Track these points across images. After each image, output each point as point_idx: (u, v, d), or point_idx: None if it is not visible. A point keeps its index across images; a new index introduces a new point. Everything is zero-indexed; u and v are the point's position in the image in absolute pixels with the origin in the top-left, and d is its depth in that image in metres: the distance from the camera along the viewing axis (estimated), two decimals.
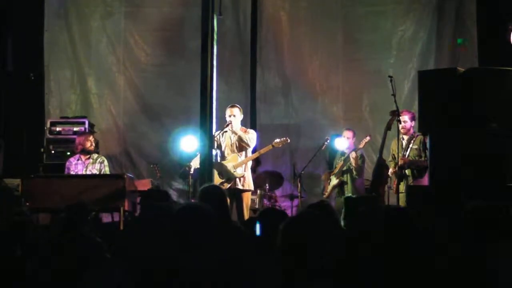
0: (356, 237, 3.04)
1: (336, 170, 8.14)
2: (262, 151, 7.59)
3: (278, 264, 2.81)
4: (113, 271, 2.74)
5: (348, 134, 8.19)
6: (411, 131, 7.43)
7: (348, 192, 7.92)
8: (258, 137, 7.84)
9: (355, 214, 5.12)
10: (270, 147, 7.59)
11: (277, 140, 7.59)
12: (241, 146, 7.29)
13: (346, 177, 8.06)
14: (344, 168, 8.06)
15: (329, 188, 8.17)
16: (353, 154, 7.90)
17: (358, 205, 5.78)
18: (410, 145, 7.27)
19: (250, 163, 7.43)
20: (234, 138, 7.32)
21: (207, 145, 6.71)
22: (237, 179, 7.20)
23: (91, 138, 7.75)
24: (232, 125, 7.30)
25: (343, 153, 8.21)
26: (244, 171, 7.26)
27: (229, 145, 7.36)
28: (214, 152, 7.10)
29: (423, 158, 7.14)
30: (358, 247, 2.86)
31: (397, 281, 2.93)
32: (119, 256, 2.86)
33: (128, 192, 6.77)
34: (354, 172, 7.97)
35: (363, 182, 8.12)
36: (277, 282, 2.73)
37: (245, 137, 7.27)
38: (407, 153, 7.27)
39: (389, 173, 7.42)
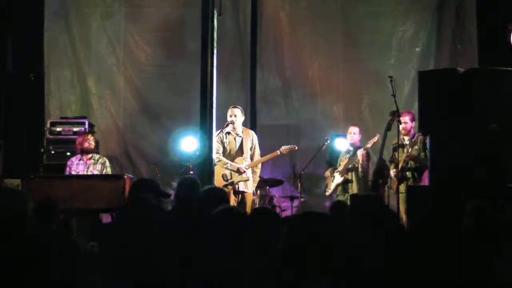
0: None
1: (340, 168, 8.06)
2: (269, 156, 7.63)
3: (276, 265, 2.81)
4: (91, 269, 2.75)
5: (354, 129, 8.13)
6: (412, 132, 7.44)
7: (353, 191, 7.85)
8: (259, 138, 7.86)
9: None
10: (277, 153, 7.63)
11: (285, 147, 7.65)
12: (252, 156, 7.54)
13: (351, 175, 7.99)
14: (350, 166, 7.98)
15: (333, 185, 8.09)
16: (360, 152, 7.81)
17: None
18: (413, 146, 7.29)
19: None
20: (239, 142, 7.39)
21: (207, 146, 6.73)
22: (241, 182, 7.31)
23: (89, 137, 7.74)
24: (234, 127, 7.36)
25: (347, 151, 8.17)
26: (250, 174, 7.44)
27: (233, 148, 7.42)
28: (215, 153, 7.15)
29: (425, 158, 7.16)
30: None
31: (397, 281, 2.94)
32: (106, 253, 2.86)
33: None
34: (360, 169, 7.92)
35: (367, 182, 8.07)
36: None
37: (259, 158, 7.54)
38: (410, 151, 7.30)
39: (392, 174, 7.43)
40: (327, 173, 8.31)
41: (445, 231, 3.41)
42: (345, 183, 8.01)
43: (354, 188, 7.91)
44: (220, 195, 4.38)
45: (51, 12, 9.52)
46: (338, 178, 8.04)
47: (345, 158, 8.09)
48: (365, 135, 8.31)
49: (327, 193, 8.20)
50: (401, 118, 7.22)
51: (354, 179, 7.96)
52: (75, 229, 6.55)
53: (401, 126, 7.26)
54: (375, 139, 7.82)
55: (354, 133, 8.11)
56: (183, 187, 4.47)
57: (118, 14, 9.68)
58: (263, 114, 9.62)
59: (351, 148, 8.10)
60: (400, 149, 7.32)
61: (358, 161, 7.85)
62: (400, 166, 7.18)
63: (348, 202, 6.55)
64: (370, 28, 9.59)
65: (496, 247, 3.21)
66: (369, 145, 7.88)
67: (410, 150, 7.29)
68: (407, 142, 7.42)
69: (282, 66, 9.72)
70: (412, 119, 7.40)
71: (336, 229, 2.78)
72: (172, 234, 3.48)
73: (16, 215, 3.14)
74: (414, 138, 7.34)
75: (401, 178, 7.20)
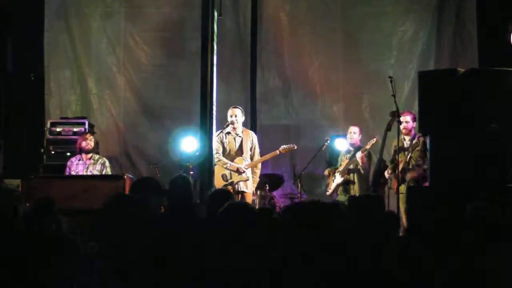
0: None
1: (341, 168, 8.05)
2: (268, 156, 7.64)
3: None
4: (89, 266, 2.75)
5: (354, 129, 8.12)
6: (413, 132, 7.44)
7: (354, 191, 7.83)
8: (259, 138, 7.86)
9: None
10: (276, 152, 7.63)
11: (284, 146, 7.66)
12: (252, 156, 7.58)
13: (353, 176, 7.97)
14: (351, 167, 7.96)
15: (333, 185, 8.08)
16: (359, 154, 7.82)
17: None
18: (415, 148, 7.28)
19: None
20: (239, 142, 7.41)
21: (207, 146, 6.74)
22: (241, 182, 7.33)
23: (88, 137, 7.74)
24: (234, 127, 7.38)
25: (348, 151, 8.16)
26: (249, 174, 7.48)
27: (233, 148, 7.44)
28: (215, 153, 7.17)
29: (425, 159, 7.13)
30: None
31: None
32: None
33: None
34: (362, 172, 7.89)
35: (369, 183, 8.05)
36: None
37: (258, 158, 7.57)
38: (410, 155, 7.29)
39: (386, 174, 7.44)
40: (327, 172, 8.30)
41: (445, 231, 3.41)
42: (347, 183, 7.99)
43: (356, 189, 7.89)
44: (227, 196, 4.38)
45: (51, 12, 9.52)
46: (338, 178, 8.03)
47: (346, 158, 8.07)
48: (365, 135, 8.29)
49: (327, 193, 8.20)
50: (402, 118, 7.21)
51: (356, 180, 7.94)
52: (74, 229, 6.55)
53: (402, 126, 7.26)
54: (374, 141, 7.81)
55: (354, 133, 8.10)
56: (175, 185, 4.48)
57: (118, 14, 9.68)
58: (263, 114, 9.61)
59: (351, 148, 8.09)
60: (401, 153, 7.31)
61: (358, 163, 7.85)
62: (400, 167, 7.18)
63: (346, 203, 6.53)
64: (370, 28, 9.58)
65: (496, 247, 3.21)
66: (368, 147, 7.87)
67: (411, 153, 7.29)
68: (408, 143, 7.42)
69: (282, 66, 9.72)
70: (414, 119, 7.40)
71: (335, 229, 2.79)
72: (166, 233, 3.48)
73: (4, 214, 3.14)
74: (415, 140, 7.33)
75: (402, 179, 7.20)
